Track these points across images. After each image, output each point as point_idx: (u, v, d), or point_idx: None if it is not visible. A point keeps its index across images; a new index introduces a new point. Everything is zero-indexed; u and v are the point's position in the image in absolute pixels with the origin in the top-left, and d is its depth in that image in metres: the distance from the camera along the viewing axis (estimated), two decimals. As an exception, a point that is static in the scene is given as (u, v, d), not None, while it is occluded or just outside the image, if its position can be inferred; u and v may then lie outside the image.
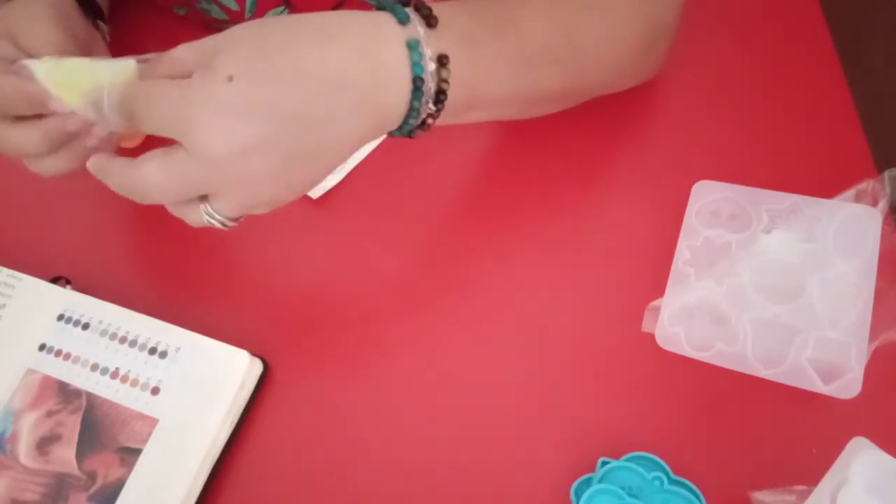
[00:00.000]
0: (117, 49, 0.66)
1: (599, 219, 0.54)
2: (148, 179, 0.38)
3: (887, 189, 0.46)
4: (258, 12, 0.60)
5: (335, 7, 0.58)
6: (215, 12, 0.61)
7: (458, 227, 0.55)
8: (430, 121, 0.42)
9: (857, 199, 0.47)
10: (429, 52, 0.39)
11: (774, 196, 0.50)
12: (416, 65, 0.39)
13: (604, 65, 0.49)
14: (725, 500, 0.43)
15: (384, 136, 0.43)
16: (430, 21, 0.40)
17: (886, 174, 0.46)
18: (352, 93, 0.38)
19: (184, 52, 0.39)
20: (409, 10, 0.40)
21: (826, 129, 0.53)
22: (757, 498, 0.42)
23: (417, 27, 0.40)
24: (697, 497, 0.43)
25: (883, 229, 0.46)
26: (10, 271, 0.55)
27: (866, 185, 0.47)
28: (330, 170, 0.41)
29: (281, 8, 0.59)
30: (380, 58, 0.39)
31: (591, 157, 0.56)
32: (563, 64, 0.47)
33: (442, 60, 0.40)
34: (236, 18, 0.61)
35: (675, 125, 0.56)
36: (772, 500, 0.41)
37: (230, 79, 0.36)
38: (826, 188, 0.48)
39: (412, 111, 0.40)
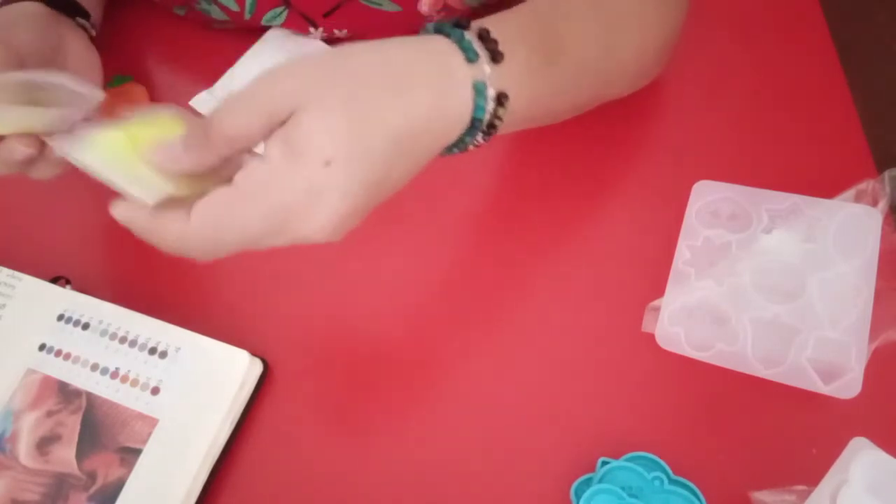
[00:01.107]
0: (118, 49, 0.66)
1: (599, 219, 0.54)
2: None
3: (887, 189, 0.46)
4: (258, 12, 0.60)
5: (334, 7, 0.58)
6: (215, 13, 0.61)
7: (457, 227, 0.55)
8: (472, 146, 0.42)
9: (857, 199, 0.47)
10: (491, 93, 0.39)
11: (774, 196, 0.50)
12: (479, 108, 0.39)
13: (631, 76, 0.51)
14: (725, 500, 0.43)
15: None
16: (496, 57, 0.39)
17: (886, 174, 0.46)
18: (427, 140, 0.38)
19: (242, 125, 0.36)
20: (476, 43, 0.39)
21: (826, 129, 0.53)
22: (757, 498, 0.42)
23: (484, 66, 0.39)
24: (697, 497, 0.43)
25: (883, 229, 0.46)
26: (10, 271, 0.55)
27: (866, 185, 0.47)
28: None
29: (281, 8, 0.59)
30: (451, 104, 0.38)
31: (591, 157, 0.56)
32: (599, 78, 0.48)
33: (501, 100, 0.40)
34: (236, 19, 0.61)
35: (675, 125, 0.56)
36: (772, 500, 0.41)
37: (327, 164, 0.35)
38: (826, 188, 0.48)
39: (461, 142, 0.41)
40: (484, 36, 0.39)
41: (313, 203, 0.35)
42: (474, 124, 0.39)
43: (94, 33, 0.57)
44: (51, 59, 0.51)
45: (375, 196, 0.38)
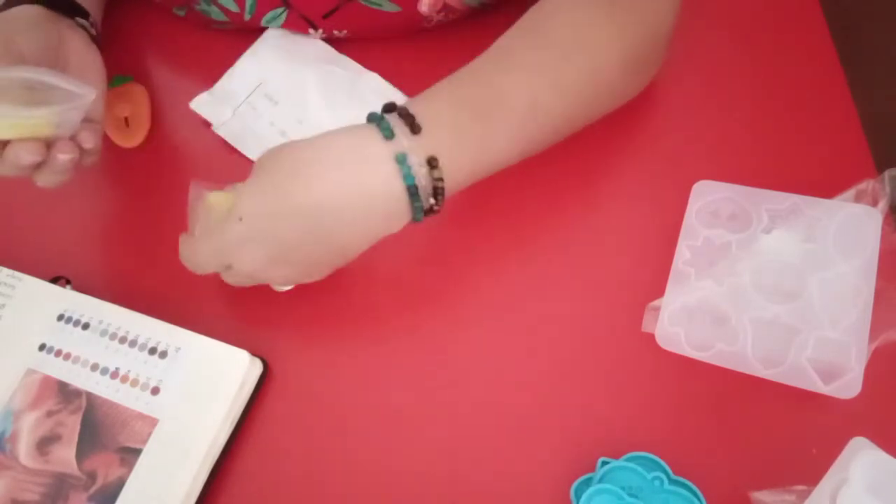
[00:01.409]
0: (118, 49, 0.66)
1: (599, 219, 0.54)
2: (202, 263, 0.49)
3: (887, 189, 0.46)
4: (258, 13, 0.60)
5: (333, 9, 0.58)
6: (215, 13, 0.61)
7: (458, 227, 0.54)
8: (436, 208, 0.46)
9: (857, 199, 0.47)
10: (416, 160, 0.44)
11: (774, 196, 0.50)
12: (407, 176, 0.44)
13: (600, 97, 0.51)
14: (725, 500, 0.43)
15: None
16: (413, 128, 0.44)
17: (886, 174, 0.46)
18: (351, 214, 0.44)
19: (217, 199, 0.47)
20: (393, 120, 0.45)
21: (826, 129, 0.53)
22: (757, 498, 0.42)
23: (402, 140, 0.44)
24: (697, 497, 0.43)
25: (883, 229, 0.46)
26: (10, 271, 0.55)
27: (866, 185, 0.47)
28: (353, 257, 0.48)
29: (281, 9, 0.59)
30: (371, 180, 0.44)
31: (591, 157, 0.56)
32: (557, 114, 0.49)
33: (432, 163, 0.44)
34: (235, 20, 0.61)
35: (675, 125, 0.56)
36: (772, 500, 0.41)
37: (240, 219, 0.45)
38: (826, 188, 0.48)
39: (415, 211, 0.45)
40: (402, 113, 0.45)
41: (238, 246, 0.46)
42: (411, 191, 0.44)
43: (94, 32, 0.57)
44: (52, 61, 0.51)
45: (300, 254, 0.46)
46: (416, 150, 0.44)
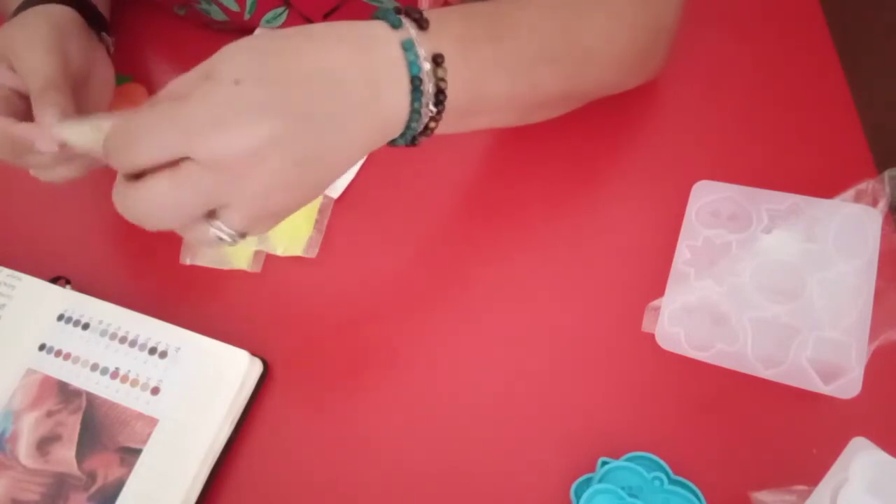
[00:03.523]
0: (118, 49, 0.66)
1: (599, 219, 0.54)
2: (157, 198, 0.36)
3: (887, 189, 0.46)
4: (258, 12, 0.60)
5: (334, 7, 0.58)
6: (215, 13, 0.61)
7: (457, 227, 0.55)
8: (432, 125, 0.42)
9: (857, 199, 0.47)
10: (423, 53, 0.39)
11: (774, 196, 0.50)
12: (413, 64, 0.39)
13: (603, 67, 0.49)
14: (725, 500, 0.43)
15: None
16: (421, 24, 0.40)
17: (886, 174, 0.46)
18: (352, 93, 0.38)
19: (178, 84, 0.38)
20: (401, 17, 0.40)
21: (826, 129, 0.53)
22: (757, 498, 0.42)
23: (410, 30, 0.40)
24: (697, 497, 0.43)
25: (883, 229, 0.46)
26: (10, 271, 0.55)
27: (866, 185, 0.47)
28: (335, 177, 0.40)
29: (281, 9, 0.59)
30: (376, 59, 0.39)
31: (591, 157, 0.56)
32: (562, 65, 0.47)
33: (437, 60, 0.40)
34: (236, 19, 0.61)
35: (675, 125, 0.56)
36: (772, 500, 0.41)
37: (237, 82, 0.35)
38: (826, 188, 0.48)
39: (413, 113, 0.40)
40: (409, 11, 0.40)
41: (229, 115, 0.35)
42: (415, 84, 0.39)
43: (112, 50, 0.57)
44: (85, 73, 0.52)
45: (303, 140, 0.37)
46: (422, 42, 0.40)
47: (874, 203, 0.47)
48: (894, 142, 0.59)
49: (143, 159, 0.35)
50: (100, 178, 0.58)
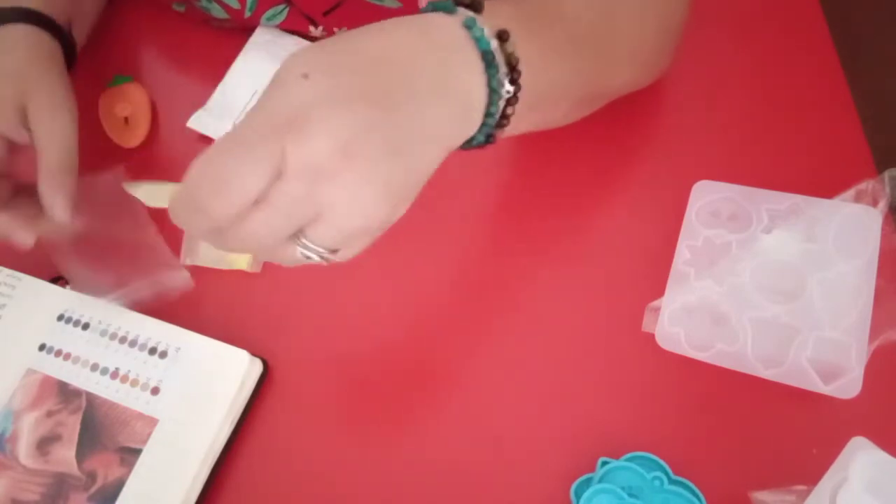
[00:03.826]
0: (118, 49, 0.66)
1: (600, 219, 0.54)
2: (256, 229, 0.33)
3: (887, 189, 0.46)
4: (258, 10, 0.59)
5: (334, 6, 0.58)
6: (216, 10, 0.61)
7: (457, 227, 0.54)
8: (509, 110, 0.38)
9: (857, 199, 0.47)
10: (487, 31, 0.36)
11: (774, 196, 0.50)
12: (481, 39, 0.36)
13: (635, 57, 0.50)
14: (725, 500, 0.43)
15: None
16: (476, 7, 0.37)
17: (886, 174, 0.46)
18: (425, 72, 0.35)
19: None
20: (454, 6, 0.38)
21: (826, 129, 0.53)
22: (757, 498, 0.42)
23: (465, 11, 0.37)
24: (697, 497, 0.43)
25: (883, 229, 0.46)
26: (10, 271, 0.55)
27: (866, 185, 0.47)
28: (423, 179, 0.36)
29: (282, 6, 0.59)
30: (443, 39, 0.36)
31: (592, 157, 0.56)
32: (605, 54, 0.47)
33: (502, 36, 0.37)
34: (236, 17, 0.61)
35: (675, 125, 0.56)
36: (772, 500, 0.41)
37: (306, 76, 0.32)
38: (826, 188, 0.48)
39: (492, 94, 0.37)
40: (459, 1, 0.38)
41: (307, 111, 0.31)
42: (487, 59, 0.36)
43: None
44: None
45: (386, 124, 0.33)
46: (483, 22, 0.37)
47: (874, 203, 0.47)
48: (894, 142, 0.59)
49: (247, 189, 0.31)
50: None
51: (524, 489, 0.45)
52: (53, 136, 0.47)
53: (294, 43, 0.62)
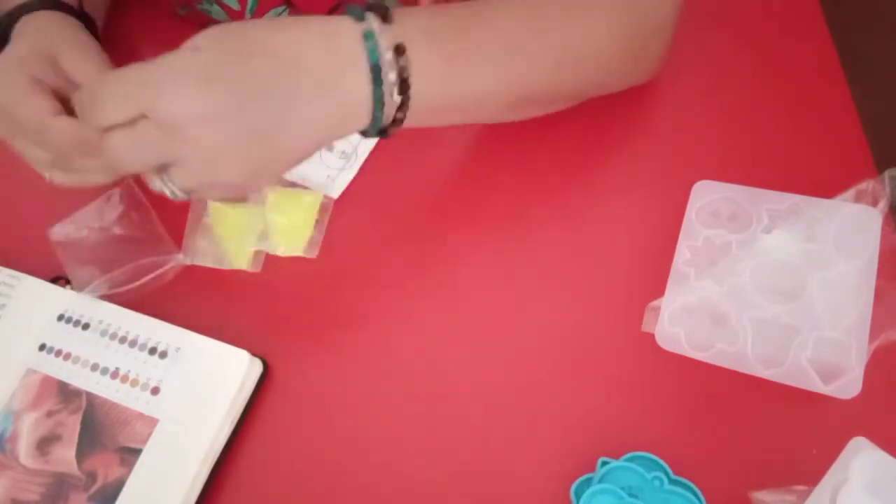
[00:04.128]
0: (118, 50, 0.66)
1: (599, 219, 0.54)
2: (116, 148, 0.40)
3: (887, 189, 0.46)
4: (259, 11, 0.60)
5: (334, 7, 0.58)
6: (216, 13, 0.61)
7: (457, 227, 0.54)
8: (399, 115, 0.42)
9: (857, 199, 0.47)
10: (384, 43, 0.41)
11: (774, 196, 0.50)
12: (372, 52, 0.40)
13: (583, 67, 0.49)
14: (725, 500, 0.43)
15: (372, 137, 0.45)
16: (385, 17, 0.41)
17: (886, 174, 0.46)
18: (309, 72, 0.40)
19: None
20: (366, 11, 0.42)
21: (826, 129, 0.53)
22: (757, 498, 0.42)
23: (372, 22, 0.41)
24: (697, 497, 0.43)
25: (883, 229, 0.46)
26: (11, 271, 0.55)
27: (866, 185, 0.47)
28: (291, 161, 0.42)
29: (282, 7, 0.59)
30: (336, 46, 0.40)
31: (591, 157, 0.56)
32: (536, 63, 0.47)
33: (399, 49, 0.41)
34: (237, 18, 0.61)
35: (675, 125, 0.56)
36: (772, 500, 0.41)
37: (195, 49, 0.38)
38: (826, 188, 0.48)
39: (377, 102, 0.41)
40: (374, 6, 0.42)
41: (180, 78, 0.38)
42: (375, 72, 0.40)
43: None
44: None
45: (252, 113, 0.39)
46: (385, 33, 0.41)
47: (874, 203, 0.47)
48: (894, 142, 0.59)
49: (106, 117, 0.39)
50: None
51: (524, 489, 0.45)
52: (84, 69, 0.49)
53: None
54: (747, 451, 0.44)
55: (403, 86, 0.41)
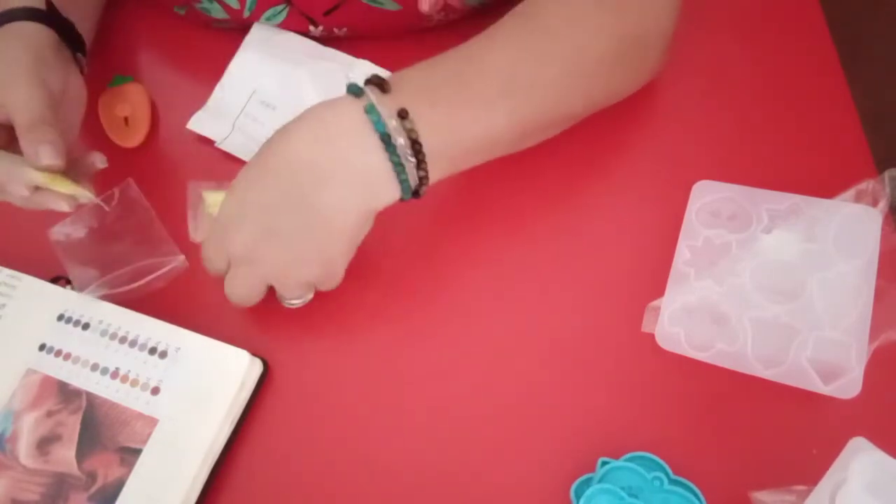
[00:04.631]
0: (118, 50, 0.66)
1: (599, 219, 0.54)
2: (230, 289, 0.48)
3: (887, 189, 0.46)
4: (258, 10, 0.60)
5: (334, 6, 0.58)
6: (215, 11, 0.61)
7: (457, 228, 0.54)
8: (421, 173, 0.45)
9: (857, 199, 0.47)
10: (386, 112, 0.43)
11: (774, 196, 0.50)
12: (378, 123, 0.43)
13: (584, 84, 0.50)
14: (725, 500, 0.43)
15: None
16: (382, 88, 0.44)
17: (886, 174, 0.46)
18: (315, 167, 0.44)
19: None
20: (363, 85, 0.44)
21: (826, 129, 0.53)
22: (757, 498, 0.42)
23: (371, 95, 0.44)
24: (697, 497, 0.43)
25: (883, 229, 0.46)
26: (11, 271, 0.55)
27: (866, 185, 0.47)
28: (346, 242, 0.47)
29: (281, 6, 0.59)
30: (341, 130, 0.44)
31: (591, 157, 0.56)
32: (537, 92, 0.48)
33: (402, 114, 0.43)
34: (236, 17, 0.61)
35: (675, 125, 0.56)
36: (772, 500, 0.41)
37: (232, 190, 0.46)
38: (826, 188, 0.48)
39: (397, 167, 0.44)
40: (372, 79, 0.45)
41: (229, 225, 0.46)
42: (385, 140, 0.43)
43: (85, 71, 0.57)
44: (60, 99, 0.51)
45: (284, 222, 0.45)
46: (385, 102, 0.44)
47: (874, 203, 0.47)
48: (894, 142, 0.59)
49: (216, 269, 0.49)
50: (99, 178, 0.59)
51: (524, 489, 0.45)
52: (17, 103, 0.48)
53: (289, 40, 0.62)
54: (747, 451, 0.44)
55: (415, 146, 0.44)
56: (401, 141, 0.43)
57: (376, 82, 0.44)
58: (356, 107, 0.44)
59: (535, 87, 0.47)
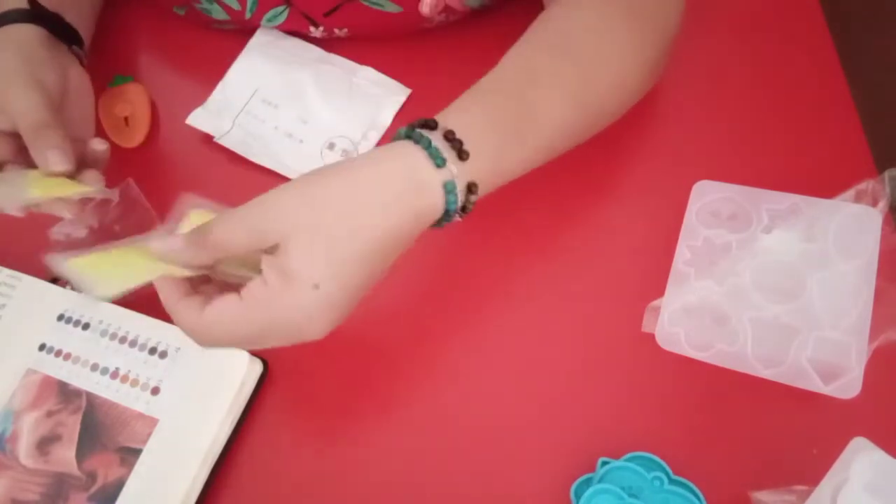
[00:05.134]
0: (118, 49, 0.66)
1: (599, 219, 0.54)
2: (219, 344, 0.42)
3: (887, 189, 0.46)
4: (259, 11, 0.59)
5: (335, 7, 0.58)
6: (216, 12, 0.61)
7: (457, 228, 0.54)
8: (463, 213, 0.44)
9: (857, 199, 0.47)
10: (461, 186, 0.42)
11: (774, 196, 0.50)
12: (451, 202, 0.42)
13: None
14: (725, 500, 0.43)
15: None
16: (461, 156, 0.42)
17: (886, 174, 0.46)
18: (403, 241, 0.42)
19: (233, 237, 0.40)
20: (440, 143, 0.42)
21: (826, 129, 0.53)
22: (757, 498, 0.42)
23: (452, 167, 0.42)
24: (697, 497, 0.43)
25: (883, 229, 0.46)
26: (11, 271, 0.55)
27: (866, 185, 0.47)
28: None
29: (282, 7, 0.59)
30: (422, 208, 0.42)
31: (592, 157, 0.55)
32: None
33: (472, 188, 0.43)
34: (236, 18, 0.61)
35: (675, 125, 0.56)
36: (772, 500, 0.41)
37: (316, 287, 0.40)
38: (826, 188, 0.48)
39: (438, 224, 0.44)
40: (450, 137, 0.42)
41: (308, 319, 0.40)
42: (448, 214, 0.43)
43: (85, 62, 0.57)
44: (62, 97, 0.51)
45: (361, 293, 0.43)
46: (461, 176, 0.42)
47: (874, 203, 0.47)
48: (894, 142, 0.59)
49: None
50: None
51: (524, 489, 0.45)
52: (17, 111, 0.47)
53: (293, 45, 0.62)
54: (747, 451, 0.44)
55: (464, 211, 0.44)
56: (458, 208, 0.43)
57: (455, 146, 0.42)
58: (437, 182, 0.41)
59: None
